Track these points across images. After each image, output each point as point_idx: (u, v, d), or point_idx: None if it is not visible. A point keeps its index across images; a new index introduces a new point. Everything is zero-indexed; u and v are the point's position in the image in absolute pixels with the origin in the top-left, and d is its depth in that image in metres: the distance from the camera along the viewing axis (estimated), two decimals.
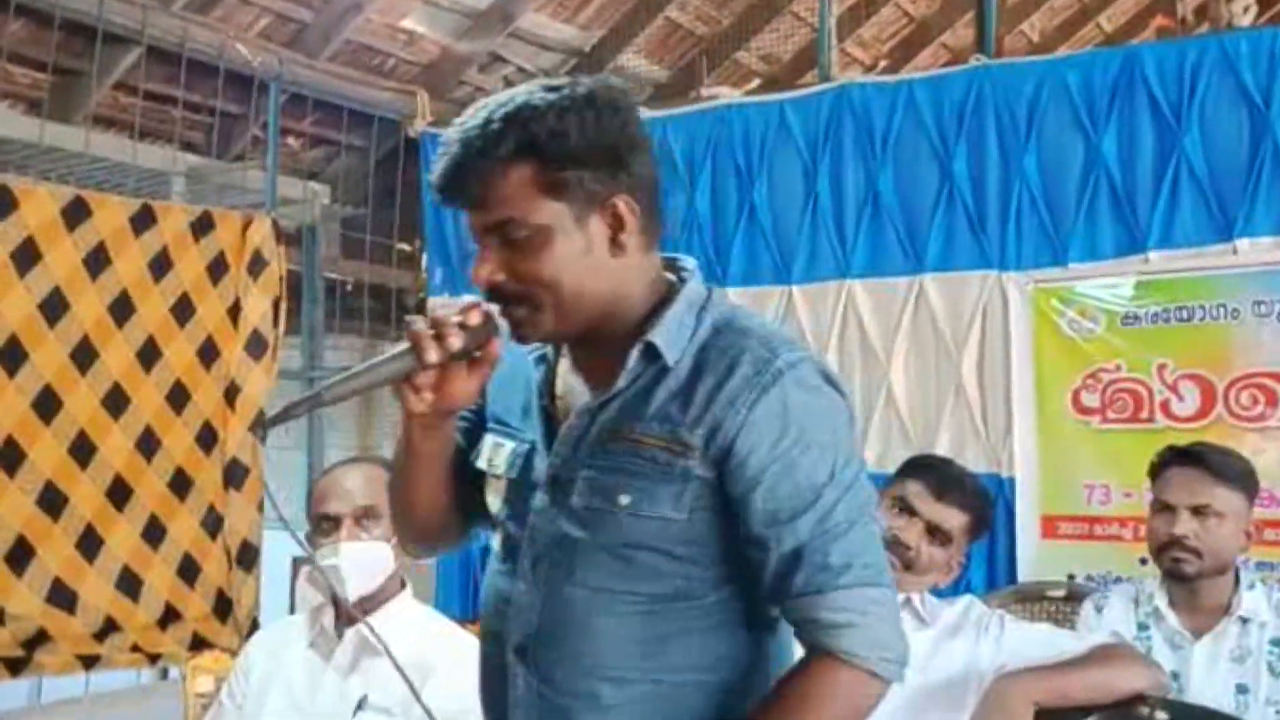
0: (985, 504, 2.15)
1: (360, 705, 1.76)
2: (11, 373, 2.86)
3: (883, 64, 5.05)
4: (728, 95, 3.64)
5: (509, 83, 4.75)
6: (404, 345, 1.21)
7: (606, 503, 1.24)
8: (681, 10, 4.73)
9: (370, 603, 1.86)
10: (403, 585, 1.92)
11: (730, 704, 1.27)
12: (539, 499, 1.29)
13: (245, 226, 3.49)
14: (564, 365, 1.33)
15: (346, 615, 1.85)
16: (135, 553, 3.15)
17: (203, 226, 3.38)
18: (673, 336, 1.25)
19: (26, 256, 2.88)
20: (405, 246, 4.33)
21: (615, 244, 1.24)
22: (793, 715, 1.21)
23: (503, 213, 1.20)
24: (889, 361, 3.36)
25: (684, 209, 3.64)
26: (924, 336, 3.33)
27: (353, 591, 1.86)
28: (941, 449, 3.12)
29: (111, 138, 3.30)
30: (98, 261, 3.05)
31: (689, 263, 1.34)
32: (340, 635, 1.89)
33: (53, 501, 2.92)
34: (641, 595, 1.24)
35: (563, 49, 4.54)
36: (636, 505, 1.23)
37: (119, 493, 3.09)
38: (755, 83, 3.85)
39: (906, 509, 2.02)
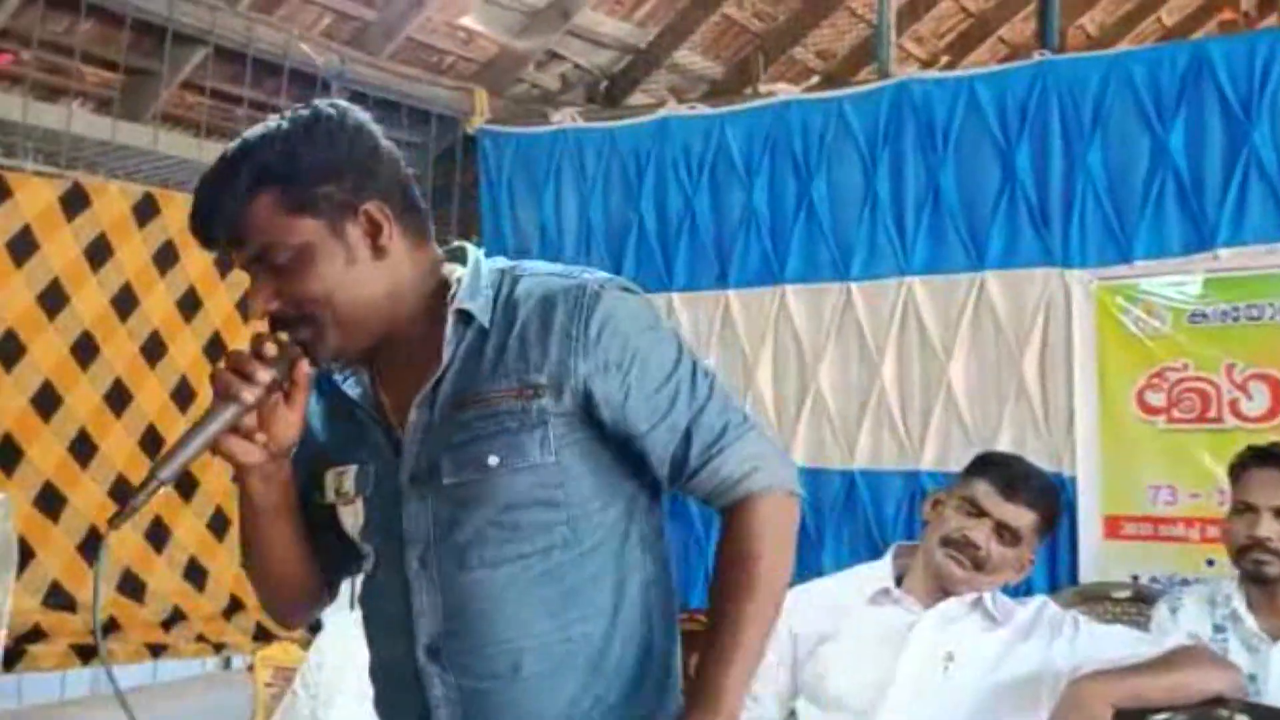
0: (1055, 501, 2.13)
1: None
2: (85, 366, 2.92)
3: (940, 60, 4.99)
4: (786, 92, 3.63)
5: (565, 80, 4.76)
6: (217, 402, 1.23)
7: (478, 471, 1.26)
8: (738, 7, 4.72)
9: None
10: None
11: (646, 632, 1.31)
12: (408, 502, 1.29)
13: None
14: (380, 380, 1.35)
15: None
16: (201, 543, 3.20)
17: None
18: (479, 300, 1.28)
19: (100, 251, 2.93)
20: (464, 244, 4.35)
21: (376, 248, 1.26)
22: (751, 564, 1.27)
23: (259, 240, 1.24)
24: (949, 359, 3.34)
25: (741, 206, 3.65)
26: (985, 334, 3.31)
27: None
28: (1002, 448, 3.10)
29: (178, 136, 3.36)
30: (166, 257, 3.09)
31: (468, 246, 1.38)
32: None
33: (123, 493, 2.97)
34: (533, 554, 1.26)
35: (618, 46, 4.54)
36: (507, 460, 1.25)
37: (186, 484, 3.14)
38: (814, 79, 3.83)
39: (975, 509, 2.01)
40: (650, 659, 1.31)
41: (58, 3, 3.00)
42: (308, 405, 1.32)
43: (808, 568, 3.45)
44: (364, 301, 1.26)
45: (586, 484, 1.28)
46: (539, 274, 1.31)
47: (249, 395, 1.22)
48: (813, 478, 3.47)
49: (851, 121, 3.46)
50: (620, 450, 1.29)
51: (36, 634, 2.79)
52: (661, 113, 3.80)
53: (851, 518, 3.49)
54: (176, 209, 3.13)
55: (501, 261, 1.36)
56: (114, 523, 1.20)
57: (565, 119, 3.96)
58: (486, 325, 1.27)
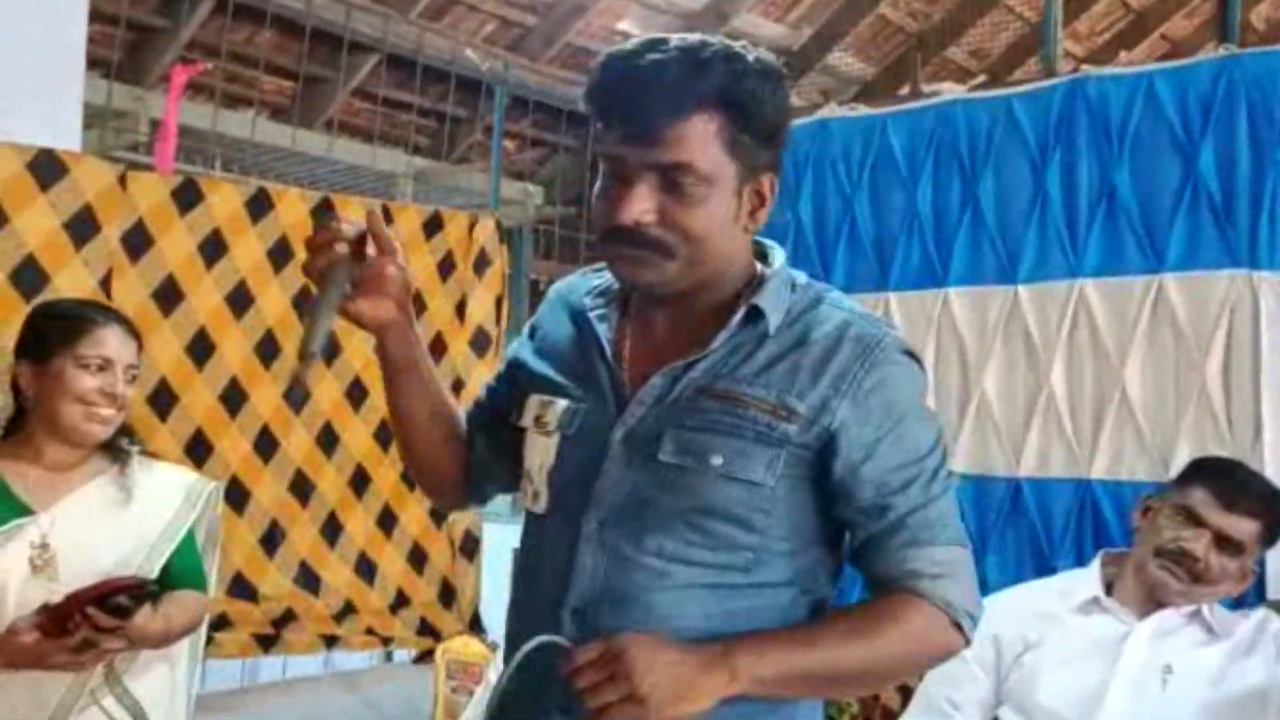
0: (1278, 508, 2.03)
1: None
2: (267, 364, 3.01)
3: (1100, 57, 4.87)
4: (950, 91, 3.56)
5: None
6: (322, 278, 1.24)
7: (697, 461, 1.22)
8: (893, 7, 4.67)
9: None
10: None
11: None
12: (612, 462, 1.26)
13: (471, 226, 3.60)
14: (631, 328, 1.32)
15: None
16: (371, 539, 3.28)
17: (433, 226, 3.50)
18: (775, 305, 1.26)
19: (282, 253, 3.02)
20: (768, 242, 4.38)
21: (752, 218, 1.26)
22: (878, 631, 1.21)
23: (682, 156, 1.18)
24: (1123, 364, 3.22)
25: (903, 207, 3.59)
26: (1163, 339, 3.18)
27: None
28: (1181, 456, 2.98)
29: (350, 142, 3.46)
30: (281, 255, 3.16)
31: (774, 246, 1.35)
32: None
33: (302, 488, 3.06)
34: (712, 567, 1.23)
35: (772, 48, 4.52)
36: (729, 465, 1.21)
37: (359, 481, 3.22)
38: (979, 78, 3.76)
39: (1193, 518, 1.93)
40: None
41: (241, 14, 3.13)
42: (545, 319, 1.36)
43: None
44: (716, 257, 1.24)
45: (786, 524, 1.25)
46: (842, 306, 1.29)
47: (342, 248, 1.24)
48: (976, 485, 3.40)
49: (1020, 120, 3.37)
50: (826, 511, 1.27)
51: (222, 622, 2.89)
52: (821, 114, 3.76)
53: (1016, 527, 3.39)
54: (351, 212, 3.22)
55: (803, 275, 1.34)
56: (287, 397, 1.27)
57: None
58: (770, 331, 1.25)
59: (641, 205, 1.19)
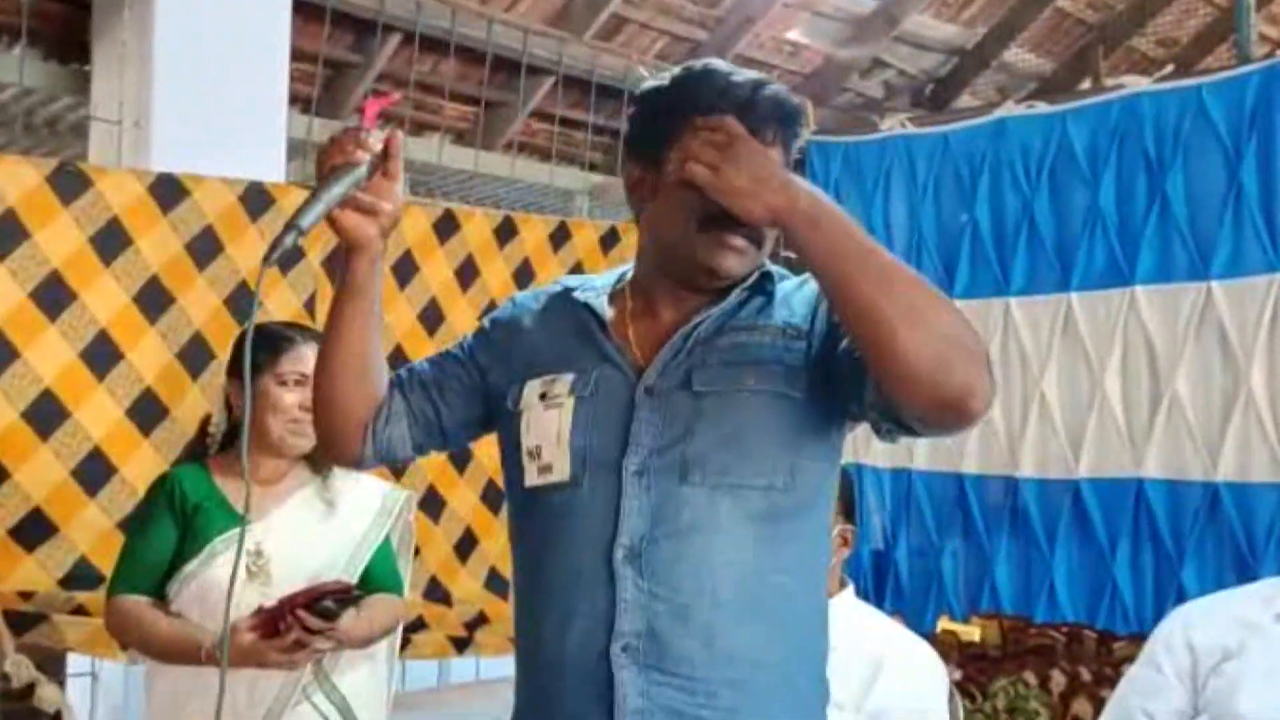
0: None
1: None
2: None
3: None
4: (1134, 83, 3.44)
5: (889, 87, 4.73)
6: (335, 171, 1.28)
7: (730, 384, 1.32)
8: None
9: None
10: (843, 584, 1.97)
11: (812, 605, 1.36)
12: (640, 409, 1.32)
13: None
14: (631, 311, 1.40)
15: None
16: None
17: (610, 240, 3.59)
18: (778, 274, 1.39)
19: (468, 271, 3.15)
20: (790, 255, 4.40)
21: None
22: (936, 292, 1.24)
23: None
24: None
25: (1086, 205, 3.50)
26: None
27: None
28: None
29: (530, 162, 3.58)
30: (525, 276, 3.29)
31: None
32: None
33: (493, 497, 3.18)
34: (755, 489, 1.30)
35: (944, 48, 4.47)
36: (760, 382, 1.31)
37: (493, 499, 3.29)
38: (1167, 69, 3.61)
39: None
40: (816, 644, 1.37)
41: (426, 46, 3.29)
42: (518, 316, 1.44)
43: (1167, 587, 3.30)
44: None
45: (821, 440, 1.34)
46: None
47: (362, 155, 1.29)
48: (1169, 490, 3.28)
49: (1211, 110, 3.24)
50: (833, 406, 1.34)
51: (419, 624, 3.03)
52: (998, 113, 3.70)
53: (1216, 534, 3.26)
54: (532, 230, 3.34)
55: None
56: (268, 261, 1.27)
57: (895, 125, 3.92)
58: (779, 291, 1.38)
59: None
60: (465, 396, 1.46)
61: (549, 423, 1.36)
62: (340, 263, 1.39)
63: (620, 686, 1.28)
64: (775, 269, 1.41)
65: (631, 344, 1.38)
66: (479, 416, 1.47)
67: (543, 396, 1.37)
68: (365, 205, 1.32)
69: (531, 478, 1.37)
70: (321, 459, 1.53)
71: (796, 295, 1.38)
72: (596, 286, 1.45)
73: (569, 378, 1.37)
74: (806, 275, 1.37)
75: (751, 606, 1.30)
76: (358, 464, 1.50)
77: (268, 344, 2.06)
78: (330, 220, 1.31)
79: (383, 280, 1.43)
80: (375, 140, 1.32)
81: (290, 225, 1.26)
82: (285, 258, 1.33)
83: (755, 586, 1.30)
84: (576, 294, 1.43)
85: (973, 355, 1.22)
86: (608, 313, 1.40)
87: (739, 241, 1.32)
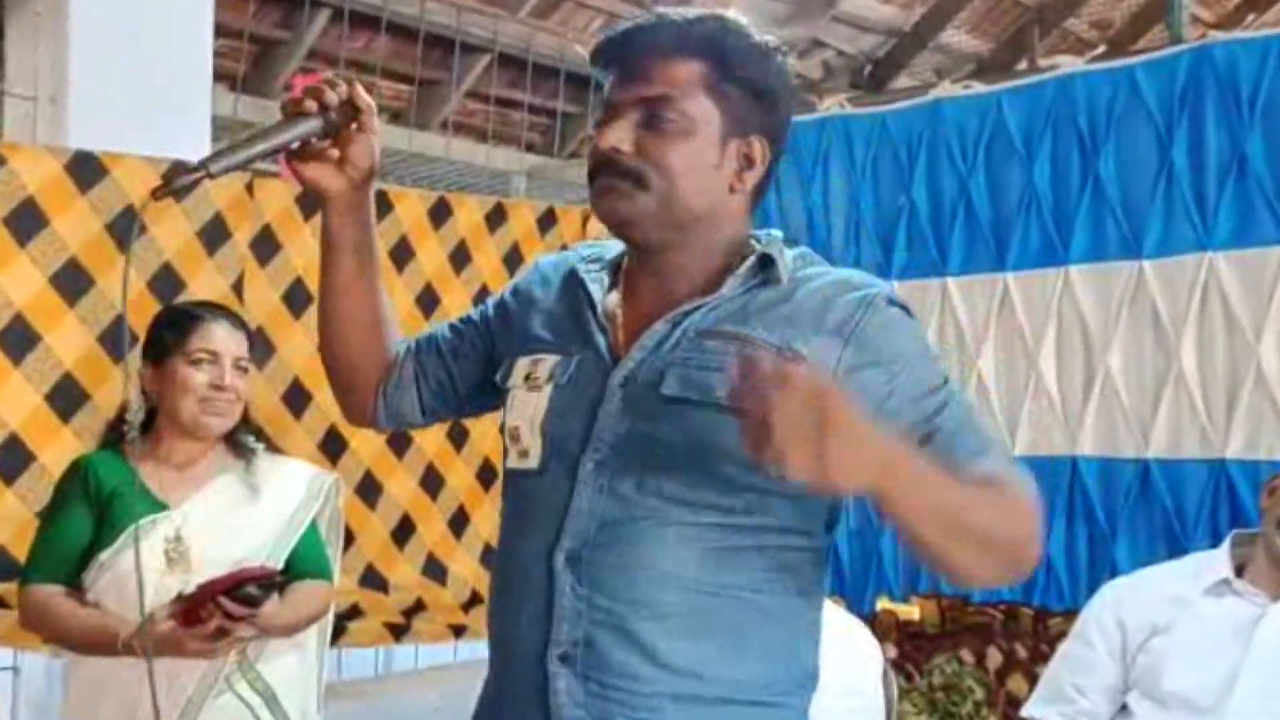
0: None
1: None
2: None
3: (1230, 23, 4.66)
4: (1069, 64, 3.46)
5: (828, 67, 4.73)
6: (287, 119, 1.24)
7: (700, 394, 1.21)
8: None
9: None
10: None
11: (784, 622, 1.26)
12: (610, 403, 1.25)
13: (585, 220, 3.64)
14: (624, 291, 1.32)
15: None
16: (495, 530, 3.35)
17: (548, 221, 3.55)
18: (781, 257, 1.27)
19: (403, 252, 3.11)
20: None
21: (738, 177, 1.27)
22: (1000, 499, 1.16)
23: (661, 90, 1.23)
24: (1259, 340, 3.11)
25: (1021, 185, 3.51)
26: None
27: None
28: None
29: (465, 142, 3.53)
30: (460, 258, 3.25)
31: (771, 231, 1.34)
32: None
33: (432, 483, 3.14)
34: (713, 508, 1.21)
35: (882, 29, 4.48)
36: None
37: (486, 475, 3.28)
38: (1099, 49, 3.64)
39: None
40: (788, 660, 1.27)
41: (358, 22, 3.23)
42: (534, 283, 1.37)
43: (1101, 563, 3.33)
44: (692, 203, 1.25)
45: None
46: (828, 267, 1.32)
47: (312, 105, 1.25)
48: (1103, 468, 3.32)
49: (1144, 90, 3.27)
50: None
51: (355, 612, 2.98)
52: (934, 94, 3.70)
53: (1148, 510, 3.30)
54: (467, 211, 3.29)
55: (792, 247, 1.34)
56: (155, 195, 1.23)
57: (833, 106, 3.91)
58: (782, 281, 1.26)
59: (619, 134, 1.24)
60: (478, 363, 1.42)
61: (528, 405, 1.30)
62: (321, 223, 1.35)
63: (555, 694, 1.23)
64: (780, 252, 1.27)
65: (619, 324, 1.30)
66: (491, 384, 1.39)
67: (527, 377, 1.31)
68: (324, 157, 1.28)
69: (512, 460, 1.32)
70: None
71: (811, 312, 1.24)
72: (605, 259, 1.36)
73: (553, 360, 1.31)
74: (824, 275, 1.27)
75: (698, 623, 1.22)
76: (372, 424, 1.46)
77: (176, 324, 2.03)
78: (293, 172, 1.28)
79: (375, 241, 1.38)
80: (336, 93, 1.27)
81: (200, 162, 1.20)
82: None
83: (705, 603, 1.23)
84: (580, 268, 1.35)
85: (1032, 553, 1.19)
86: (603, 287, 1.33)
87: (603, 181, 1.24)
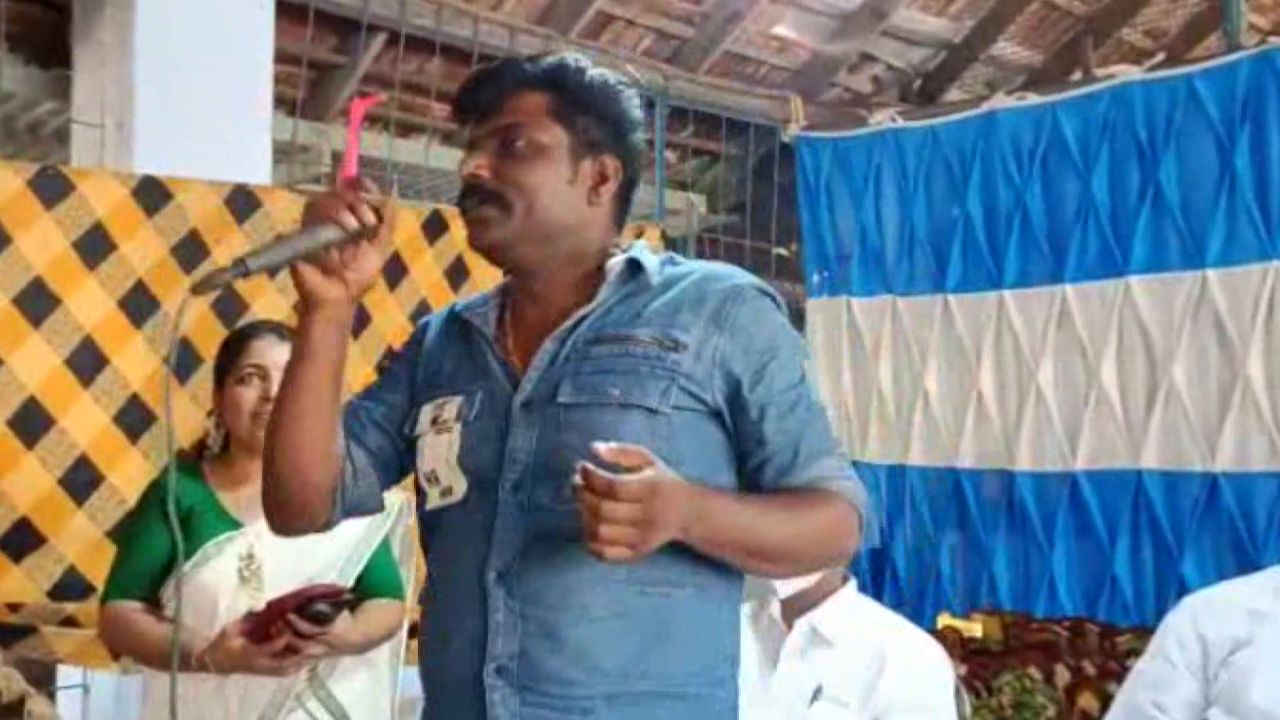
0: None
1: (815, 695, 1.79)
2: None
3: None
4: (1125, 73, 3.43)
5: (878, 81, 4.71)
6: (315, 222, 1.24)
7: (595, 396, 1.29)
8: None
9: (812, 596, 1.89)
10: (845, 579, 1.94)
11: (708, 612, 1.34)
12: (516, 426, 1.31)
13: (638, 238, 3.64)
14: (511, 320, 1.39)
15: (793, 607, 1.89)
16: None
17: None
18: (648, 261, 1.36)
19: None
20: (783, 251, 4.41)
21: (594, 192, 1.36)
22: (807, 516, 1.30)
23: (509, 120, 1.34)
24: None
25: (1078, 195, 3.48)
26: None
27: (786, 587, 1.89)
28: None
29: None
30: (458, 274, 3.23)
31: (638, 240, 1.47)
32: (790, 626, 1.93)
33: None
34: None
35: (932, 42, 4.46)
36: (626, 395, 1.28)
37: None
38: (1159, 57, 3.60)
39: None
40: (714, 646, 1.35)
41: (412, 46, 3.27)
42: (428, 337, 1.42)
43: (1167, 578, 3.28)
44: (555, 217, 1.34)
45: (690, 454, 1.30)
46: (696, 263, 1.43)
47: (351, 222, 1.25)
48: (1168, 481, 3.27)
49: (1204, 98, 3.23)
50: (726, 444, 1.34)
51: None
52: (988, 105, 3.68)
53: (1215, 523, 3.25)
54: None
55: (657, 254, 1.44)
56: (196, 290, 1.22)
57: (885, 120, 3.90)
58: (652, 283, 1.35)
59: (478, 161, 1.34)
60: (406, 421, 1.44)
61: (440, 447, 1.36)
62: (300, 325, 1.32)
63: (492, 708, 1.28)
64: (646, 256, 1.37)
65: (511, 355, 1.37)
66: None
67: (434, 421, 1.37)
68: (331, 266, 1.27)
69: (434, 500, 1.37)
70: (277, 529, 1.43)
71: (685, 303, 1.34)
72: (484, 301, 1.44)
73: (457, 400, 1.37)
74: (692, 272, 1.37)
75: (627, 621, 1.29)
76: (317, 528, 1.43)
77: (228, 346, 2.07)
78: (292, 270, 1.27)
79: (377, 284, 1.40)
80: (367, 212, 1.27)
81: (238, 260, 1.21)
82: (287, 276, 1.29)
83: (631, 600, 1.29)
84: (462, 313, 1.42)
85: (839, 556, 1.37)
86: (491, 323, 1.40)
87: (472, 213, 1.33)
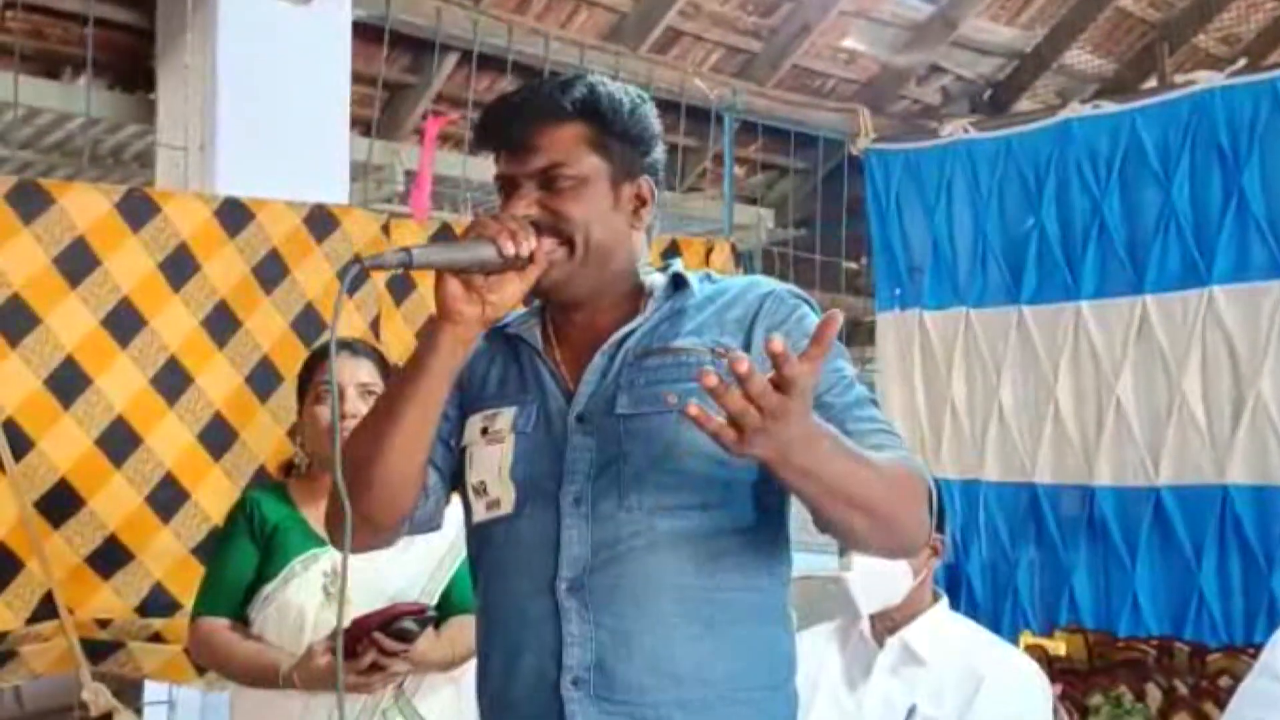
0: None
1: (910, 714, 1.76)
2: None
3: None
4: (1206, 79, 3.36)
5: (947, 93, 4.67)
6: (476, 239, 1.26)
7: (652, 405, 1.30)
8: None
9: (903, 613, 1.87)
10: (936, 597, 1.92)
11: (766, 615, 1.34)
12: (573, 437, 1.32)
13: (708, 253, 3.64)
14: (556, 336, 1.39)
15: (883, 625, 1.86)
16: None
17: (670, 254, 3.56)
18: (692, 276, 1.40)
19: None
20: (852, 265, 4.37)
21: (636, 215, 1.38)
22: (897, 477, 1.27)
23: (552, 158, 1.33)
24: None
25: (1158, 205, 3.42)
26: None
27: (873, 604, 1.87)
28: None
29: None
30: None
31: (673, 259, 1.48)
32: (880, 644, 1.90)
33: None
34: (690, 507, 1.29)
35: (1002, 52, 4.40)
36: (685, 402, 1.23)
37: None
38: (1241, 63, 3.53)
39: None
40: (775, 650, 1.35)
41: (484, 65, 3.29)
42: (476, 346, 1.40)
43: (1256, 596, 3.19)
44: (607, 244, 1.35)
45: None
46: (732, 277, 1.45)
47: (510, 249, 1.26)
48: (1256, 496, 3.18)
49: None
50: None
51: None
52: (1063, 115, 3.63)
53: None
54: None
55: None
56: (366, 267, 1.25)
57: (956, 131, 3.86)
58: (696, 296, 1.38)
59: (525, 203, 1.33)
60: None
61: (491, 458, 1.37)
62: (428, 342, 1.32)
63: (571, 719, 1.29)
64: (686, 272, 1.40)
65: (561, 368, 1.38)
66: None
67: (484, 431, 1.38)
68: (475, 285, 1.28)
69: (480, 513, 1.37)
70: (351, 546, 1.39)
71: (730, 313, 1.36)
72: (524, 318, 1.44)
73: (510, 412, 1.37)
74: (731, 286, 1.39)
75: (697, 626, 1.30)
76: (381, 545, 1.43)
77: (307, 366, 2.11)
78: (438, 278, 1.29)
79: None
80: (527, 244, 1.28)
81: (404, 249, 1.25)
82: (354, 280, 1.30)
83: (700, 605, 1.30)
84: (508, 329, 1.42)
85: (919, 526, 1.30)
86: (538, 339, 1.40)
87: (550, 250, 1.31)
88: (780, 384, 1.11)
